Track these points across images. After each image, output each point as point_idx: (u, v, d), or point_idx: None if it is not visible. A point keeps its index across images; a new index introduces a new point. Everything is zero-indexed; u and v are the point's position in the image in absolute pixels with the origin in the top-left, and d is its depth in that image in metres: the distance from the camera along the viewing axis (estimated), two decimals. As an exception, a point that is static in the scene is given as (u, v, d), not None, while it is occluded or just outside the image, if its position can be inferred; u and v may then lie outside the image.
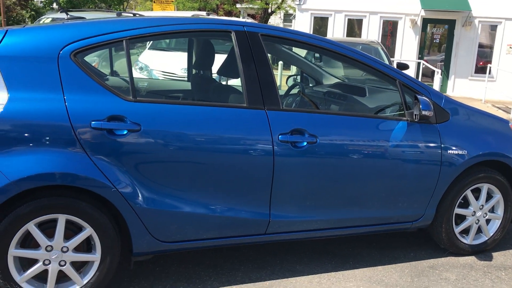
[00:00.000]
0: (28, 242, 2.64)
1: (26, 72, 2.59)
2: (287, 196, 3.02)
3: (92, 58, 4.92)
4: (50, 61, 2.63)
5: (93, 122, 2.61)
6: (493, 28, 15.42)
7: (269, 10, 29.85)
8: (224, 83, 3.82)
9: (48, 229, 2.64)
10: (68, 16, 3.22)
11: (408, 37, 15.65)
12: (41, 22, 9.97)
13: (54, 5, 30.42)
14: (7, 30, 2.67)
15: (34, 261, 2.66)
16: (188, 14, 10.72)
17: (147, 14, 10.47)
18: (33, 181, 2.50)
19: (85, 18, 3.31)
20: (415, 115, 3.21)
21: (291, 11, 26.87)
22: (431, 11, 15.14)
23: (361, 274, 3.29)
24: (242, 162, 2.87)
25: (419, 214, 3.40)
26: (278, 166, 2.94)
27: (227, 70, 3.35)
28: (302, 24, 16.01)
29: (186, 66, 6.55)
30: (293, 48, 4.17)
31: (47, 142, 2.54)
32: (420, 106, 3.14)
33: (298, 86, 4.39)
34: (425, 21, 15.68)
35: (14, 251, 2.58)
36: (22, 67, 2.59)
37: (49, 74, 2.62)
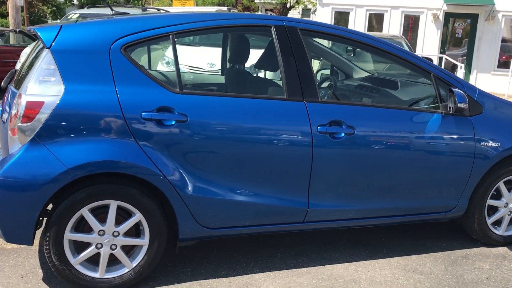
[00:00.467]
0: (81, 227, 2.78)
1: (79, 65, 2.72)
2: (324, 185, 3.12)
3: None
4: (102, 55, 2.76)
5: (143, 113, 2.73)
6: (517, 22, 15.25)
7: (288, 5, 29.83)
8: (261, 76, 3.91)
9: (100, 214, 2.78)
10: (113, 12, 3.35)
11: (430, 32, 15.55)
12: (69, 18, 10.16)
13: (75, 1, 30.83)
14: (61, 26, 2.80)
15: (87, 245, 2.81)
16: (212, 9, 10.85)
17: (171, 9, 10.60)
18: (87, 169, 2.64)
19: (129, 14, 3.44)
20: (450, 107, 3.28)
21: (310, 6, 26.85)
22: (454, 5, 15.04)
23: (396, 262, 3.38)
24: (282, 152, 2.97)
25: (452, 205, 3.47)
26: (317, 156, 3.04)
27: (266, 63, 3.45)
28: (323, 18, 16.00)
29: (212, 60, 6.67)
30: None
31: (100, 132, 2.68)
32: (456, 99, 3.20)
33: (329, 80, 4.47)
34: (447, 16, 15.57)
35: (69, 235, 2.73)
36: (76, 60, 2.72)
37: (101, 67, 2.75)
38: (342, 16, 16.20)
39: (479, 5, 14.83)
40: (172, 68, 2.99)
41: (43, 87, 2.65)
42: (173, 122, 2.78)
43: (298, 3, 28.97)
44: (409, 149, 3.23)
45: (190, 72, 5.61)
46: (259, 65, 3.54)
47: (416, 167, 3.27)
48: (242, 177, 2.94)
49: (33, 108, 2.61)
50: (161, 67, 7.05)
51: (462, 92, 3.27)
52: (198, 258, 3.32)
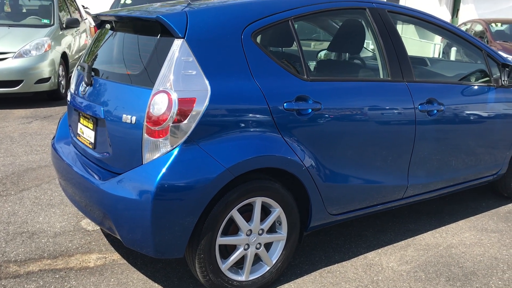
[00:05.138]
0: (225, 229, 2.59)
1: (215, 55, 2.49)
2: (419, 161, 3.27)
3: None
4: (234, 43, 2.56)
5: (285, 104, 2.61)
6: None
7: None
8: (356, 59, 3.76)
9: (244, 213, 2.62)
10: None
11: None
12: (121, 2, 8.86)
13: None
14: (187, 13, 2.52)
15: (232, 248, 2.63)
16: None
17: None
18: (245, 167, 2.47)
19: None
20: (504, 81, 3.64)
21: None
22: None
23: (464, 225, 3.70)
24: (395, 132, 3.06)
25: (499, 167, 3.88)
26: (418, 133, 3.18)
27: (354, 45, 3.40)
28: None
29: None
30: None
31: (250, 126, 2.51)
32: None
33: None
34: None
35: (220, 239, 2.54)
36: (210, 50, 2.49)
37: (236, 56, 2.55)
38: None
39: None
40: (292, 55, 2.87)
41: (188, 81, 2.38)
42: (310, 111, 2.70)
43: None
44: (480, 120, 3.54)
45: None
46: (357, 48, 3.48)
47: (483, 136, 3.59)
48: (364, 160, 2.97)
49: (186, 106, 2.34)
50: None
51: None
52: (298, 246, 3.28)
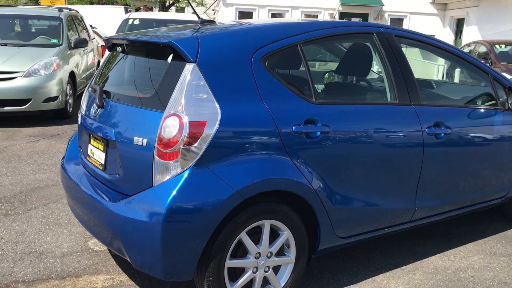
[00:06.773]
0: (234, 252, 2.59)
1: (225, 79, 2.53)
2: (428, 183, 3.27)
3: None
4: (244, 67, 2.59)
5: (294, 127, 2.63)
6: (400, 21, 16.94)
7: (167, 3, 29.41)
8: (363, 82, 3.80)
9: (252, 236, 2.62)
10: (200, 19, 3.13)
11: (328, 30, 16.54)
12: (129, 23, 8.97)
13: None
14: (198, 38, 2.56)
15: (240, 271, 2.63)
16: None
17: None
18: (255, 189, 2.48)
19: (214, 21, 3.24)
20: (510, 104, 3.66)
21: (194, 4, 26.76)
22: (348, 6, 16.19)
23: (473, 248, 3.68)
24: (402, 155, 3.07)
25: (506, 190, 3.87)
26: (426, 156, 3.19)
27: (367, 70, 3.46)
28: (227, 18, 16.14)
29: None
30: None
31: (259, 149, 2.53)
32: None
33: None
34: (342, 15, 16.72)
35: (229, 262, 2.54)
36: (221, 74, 2.53)
37: (246, 80, 2.58)
38: (245, 16, 16.47)
39: (370, 5, 16.16)
40: (301, 78, 2.92)
41: (199, 105, 2.41)
42: (318, 134, 2.72)
43: (178, 1, 28.73)
44: (487, 143, 3.55)
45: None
46: (350, 71, 3.55)
47: (490, 159, 3.60)
48: (373, 183, 2.98)
49: (197, 129, 2.37)
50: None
51: None
52: (306, 270, 3.27)
